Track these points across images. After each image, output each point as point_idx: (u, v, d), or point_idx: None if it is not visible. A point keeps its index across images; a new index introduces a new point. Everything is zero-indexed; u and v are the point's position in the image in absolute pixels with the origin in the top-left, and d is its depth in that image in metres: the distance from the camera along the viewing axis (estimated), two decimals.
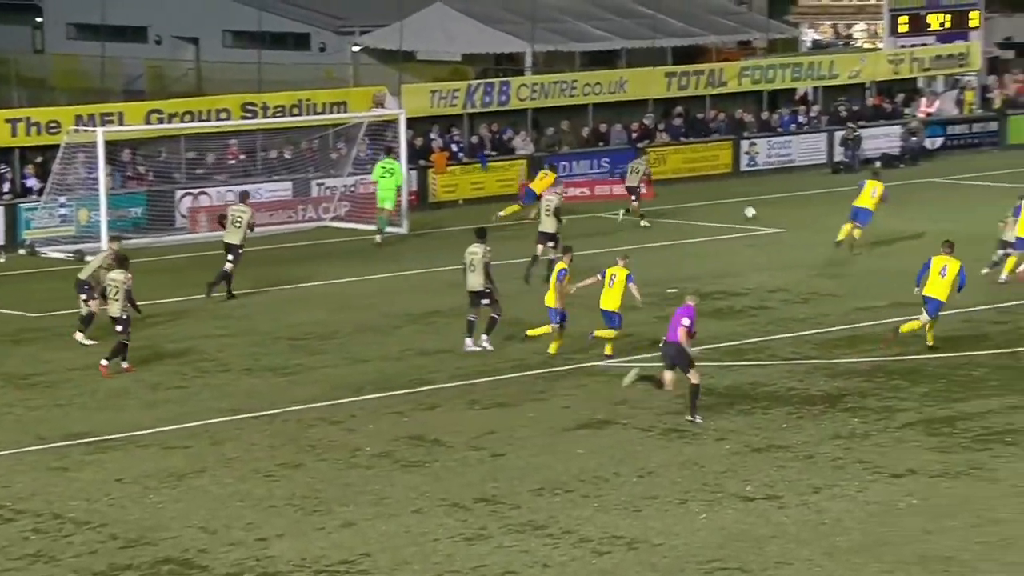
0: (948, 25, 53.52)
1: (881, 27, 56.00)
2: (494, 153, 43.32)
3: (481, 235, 26.90)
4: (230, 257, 30.63)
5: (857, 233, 34.74)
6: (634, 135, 45.44)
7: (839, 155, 47.89)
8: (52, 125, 37.58)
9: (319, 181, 40.45)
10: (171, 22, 64.28)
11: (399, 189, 37.67)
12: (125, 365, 25.48)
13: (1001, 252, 31.90)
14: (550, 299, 26.00)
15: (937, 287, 25.97)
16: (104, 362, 25.32)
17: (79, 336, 27.03)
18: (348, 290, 32.27)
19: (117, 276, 25.66)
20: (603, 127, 45.32)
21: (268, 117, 40.15)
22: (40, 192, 37.06)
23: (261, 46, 52.66)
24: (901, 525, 18.43)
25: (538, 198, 33.79)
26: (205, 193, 38.93)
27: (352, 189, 40.13)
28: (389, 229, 37.34)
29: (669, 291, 30.20)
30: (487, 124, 43.80)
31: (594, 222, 38.20)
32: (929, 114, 50.76)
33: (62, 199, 36.95)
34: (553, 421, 22.70)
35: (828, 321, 28.56)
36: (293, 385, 24.88)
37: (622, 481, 20.03)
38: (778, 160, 47.45)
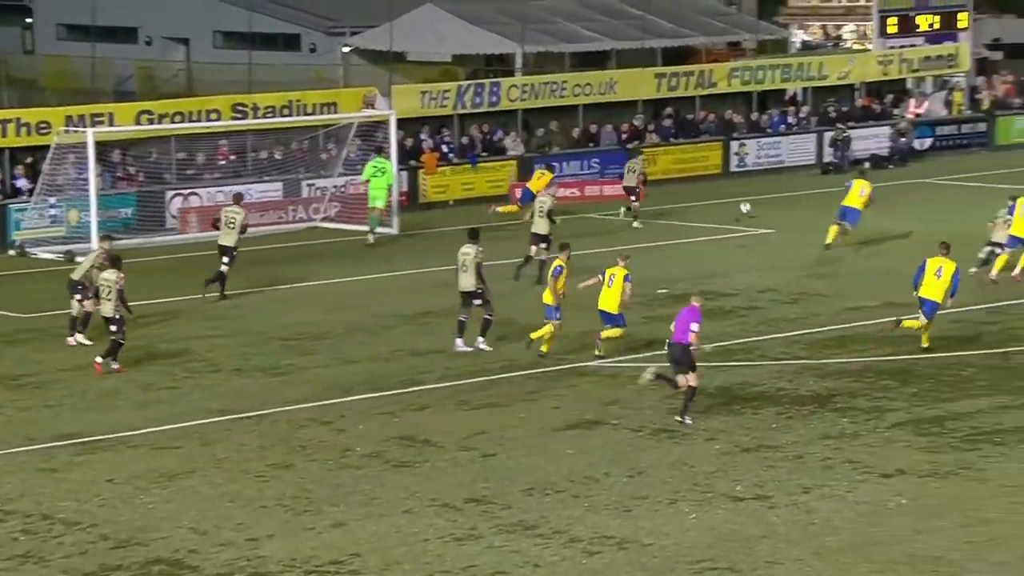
0: (937, 26, 53.65)
1: (870, 28, 56.08)
2: (485, 154, 43.37)
3: (473, 235, 26.93)
4: (225, 260, 30.67)
5: (845, 230, 34.89)
6: (624, 136, 45.50)
7: (828, 156, 47.98)
8: (42, 126, 37.57)
9: (309, 182, 40.47)
10: (161, 23, 64.25)
11: (390, 188, 37.72)
12: (115, 366, 25.47)
13: (987, 250, 31.98)
14: (548, 297, 26.03)
15: (933, 288, 26.04)
16: (99, 359, 25.33)
17: (79, 337, 26.96)
18: (338, 290, 32.28)
19: (110, 276, 25.66)
20: (593, 128, 45.37)
21: (258, 118, 40.17)
22: (30, 193, 37.04)
23: (251, 47, 52.67)
24: (890, 525, 18.47)
25: (535, 198, 33.92)
26: (195, 194, 38.93)
27: (342, 190, 40.14)
28: (380, 230, 37.37)
29: (659, 291, 30.26)
30: (478, 125, 43.84)
31: (585, 222, 38.22)
32: (918, 115, 50.86)
33: (52, 200, 36.94)
34: (543, 421, 22.73)
35: (818, 321, 28.61)
36: (283, 385, 24.89)
37: (612, 481, 20.06)
38: (768, 161, 47.53)
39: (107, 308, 25.52)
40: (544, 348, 25.99)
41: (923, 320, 26.09)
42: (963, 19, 54.06)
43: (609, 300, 25.56)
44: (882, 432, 22.09)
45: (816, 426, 22.38)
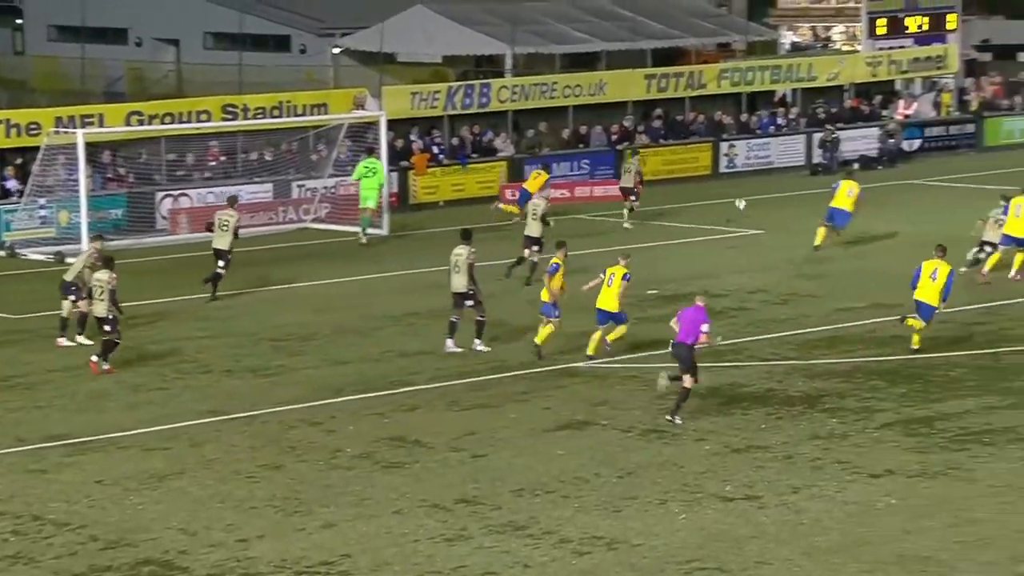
0: (926, 28, 53.77)
1: (859, 30, 56.18)
2: (475, 155, 43.40)
3: (466, 236, 26.92)
4: (221, 263, 30.71)
5: (835, 231, 35.04)
6: (614, 137, 45.55)
7: (818, 157, 48.05)
8: (32, 127, 37.54)
9: (299, 183, 40.48)
10: (152, 24, 64.22)
11: (381, 188, 37.75)
12: (106, 367, 25.47)
13: (975, 251, 32.05)
14: (545, 295, 26.03)
15: (928, 291, 26.10)
16: (94, 359, 25.33)
17: (80, 338, 26.89)
18: (329, 291, 32.29)
19: (102, 276, 25.66)
20: (583, 129, 45.42)
21: (249, 119, 40.16)
22: (20, 194, 37.01)
23: (242, 48, 52.69)
24: (879, 525, 18.52)
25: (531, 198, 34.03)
26: (185, 195, 38.92)
27: (333, 191, 40.15)
28: (370, 230, 37.40)
29: (649, 292, 30.30)
30: (468, 126, 43.88)
31: (576, 223, 38.24)
32: (907, 116, 50.96)
33: (42, 201, 36.91)
34: (534, 422, 22.76)
35: (807, 322, 28.67)
36: (274, 386, 24.90)
37: (602, 482, 20.09)
38: (757, 162, 47.60)
39: (100, 308, 25.51)
40: (537, 340, 25.92)
41: (921, 322, 26.14)
42: (952, 21, 54.19)
43: (608, 299, 25.58)
44: (871, 432, 22.14)
45: (805, 427, 22.43)
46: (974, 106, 52.63)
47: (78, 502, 19.48)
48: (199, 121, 39.38)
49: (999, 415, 22.89)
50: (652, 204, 40.40)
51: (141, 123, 38.81)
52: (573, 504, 19.25)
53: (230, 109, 40.21)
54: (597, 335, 25.69)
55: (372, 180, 37.41)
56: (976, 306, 29.46)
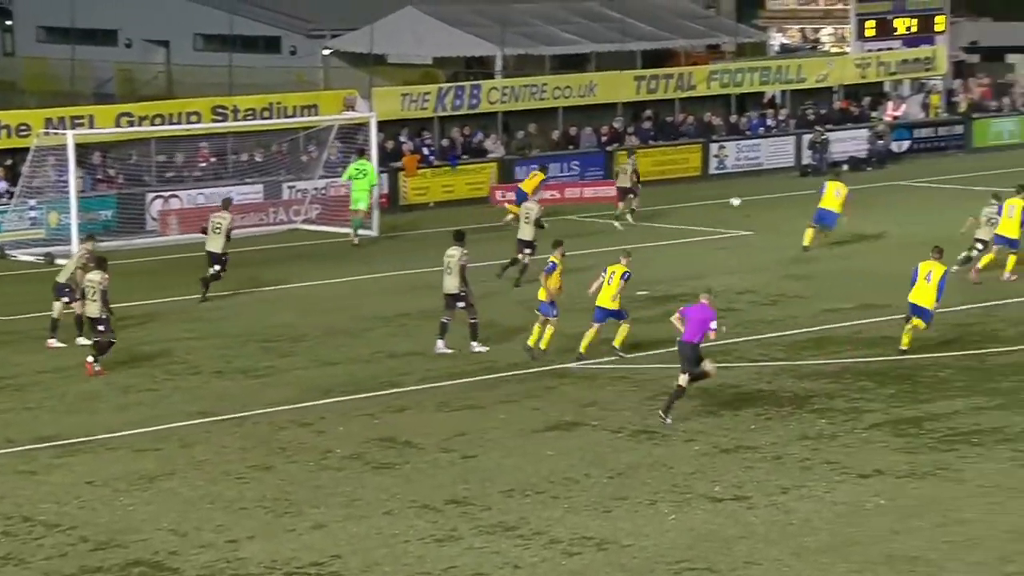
0: (914, 29, 53.90)
1: (848, 31, 56.31)
2: (465, 156, 43.44)
3: (459, 238, 26.92)
4: (216, 267, 30.74)
5: (824, 232, 35.18)
6: (604, 138, 45.61)
7: (807, 158, 48.17)
8: (22, 128, 37.52)
9: (290, 184, 40.50)
10: (141, 25, 64.17)
11: (372, 190, 37.78)
12: (97, 368, 25.46)
13: (964, 254, 32.14)
14: (542, 293, 26.04)
15: (923, 293, 26.16)
16: (90, 359, 25.33)
17: (80, 339, 26.80)
18: (318, 292, 32.31)
19: (95, 276, 25.67)
20: (573, 130, 45.47)
21: (239, 120, 40.18)
22: (10, 195, 36.99)
23: (232, 49, 52.69)
24: (868, 525, 18.57)
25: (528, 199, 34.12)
26: (176, 196, 38.92)
27: (323, 192, 40.17)
28: (361, 231, 37.43)
29: (639, 293, 30.33)
30: (458, 127, 43.92)
31: (566, 224, 38.26)
32: (896, 118, 51.09)
33: (32, 202, 36.90)
34: (523, 423, 22.79)
35: (796, 323, 28.73)
36: (264, 387, 24.91)
37: (592, 482, 20.13)
38: (747, 163, 47.69)
39: (93, 309, 25.51)
40: (530, 342, 25.98)
41: (921, 324, 26.19)
42: (940, 22, 54.33)
43: (607, 297, 25.64)
44: (860, 433, 22.19)
45: (794, 427, 22.48)
46: (962, 108, 52.77)
47: (68, 503, 19.49)
48: (189, 122, 39.39)
49: (987, 416, 22.96)
50: (642, 205, 40.43)
51: (131, 124, 38.82)
52: (563, 505, 19.29)
53: (220, 110, 40.22)
54: (591, 333, 25.72)
55: (362, 182, 37.44)
56: (966, 307, 29.52)
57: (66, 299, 26.97)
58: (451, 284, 26.47)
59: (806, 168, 47.65)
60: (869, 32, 53.71)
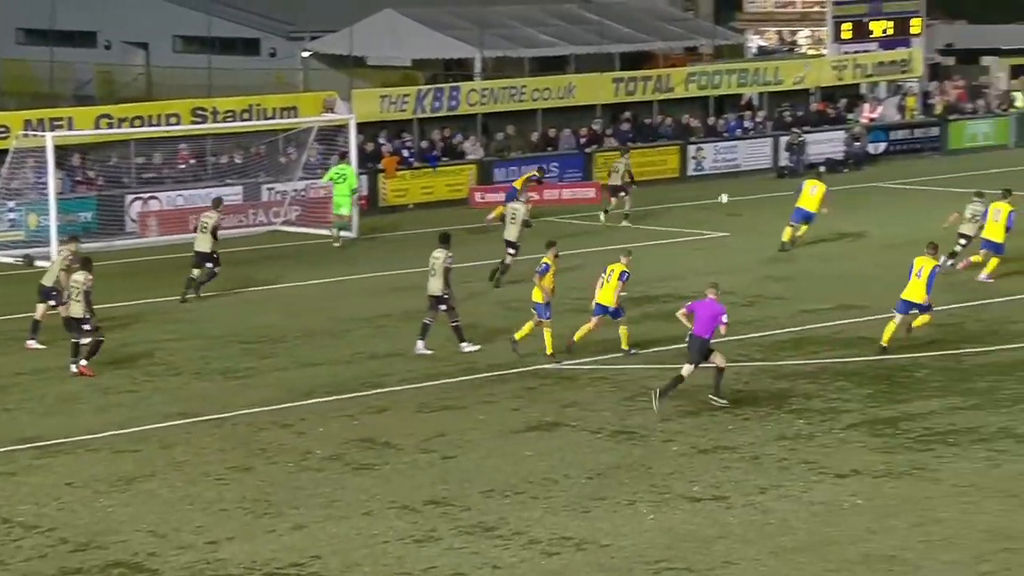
0: (890, 32, 54.08)
1: (825, 34, 56.50)
2: (444, 158, 43.49)
3: (444, 240, 26.93)
4: (208, 265, 30.76)
5: (802, 231, 35.39)
6: (582, 140, 45.71)
7: (784, 160, 48.34)
8: (1, 130, 37.48)
9: (269, 186, 40.50)
10: (121, 27, 64.05)
11: (354, 193, 37.82)
12: (74, 368, 25.45)
13: (949, 258, 32.33)
14: (537, 295, 26.11)
15: (915, 288, 26.32)
16: (84, 363, 25.33)
17: (31, 343, 26.93)
18: (298, 294, 32.33)
19: (79, 277, 25.65)
20: (552, 132, 45.57)
21: (218, 122, 40.17)
22: None
23: (211, 51, 52.64)
24: (845, 525, 18.67)
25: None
26: (155, 198, 38.91)
27: (302, 194, 40.19)
28: (342, 233, 37.47)
29: (621, 294, 30.38)
30: (438, 129, 43.97)
31: (546, 226, 38.34)
32: (872, 119, 51.31)
33: (11, 204, 36.84)
34: (503, 424, 22.86)
35: (774, 324, 28.85)
36: (244, 389, 24.94)
37: (571, 483, 20.20)
38: (724, 165, 47.84)
39: (76, 309, 25.49)
40: (517, 336, 26.07)
41: (924, 317, 26.42)
42: (916, 25, 54.54)
43: (606, 294, 25.77)
44: (837, 433, 22.31)
45: (772, 427, 22.59)
46: (938, 110, 53.00)
47: (47, 505, 19.50)
48: (169, 124, 39.38)
49: (963, 415, 23.09)
50: (621, 206, 40.55)
51: (110, 126, 38.80)
52: (542, 505, 19.35)
53: (200, 112, 40.22)
54: (587, 326, 25.84)
55: (343, 186, 37.47)
56: (945, 307, 29.62)
57: (52, 302, 26.96)
58: (435, 286, 26.51)
59: (783, 170, 47.83)
60: (846, 34, 53.89)
